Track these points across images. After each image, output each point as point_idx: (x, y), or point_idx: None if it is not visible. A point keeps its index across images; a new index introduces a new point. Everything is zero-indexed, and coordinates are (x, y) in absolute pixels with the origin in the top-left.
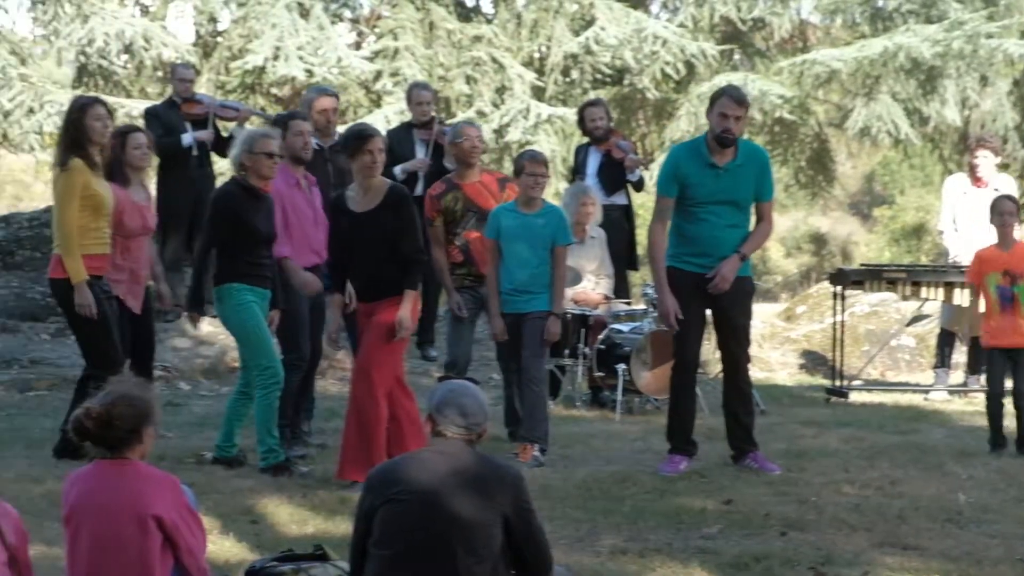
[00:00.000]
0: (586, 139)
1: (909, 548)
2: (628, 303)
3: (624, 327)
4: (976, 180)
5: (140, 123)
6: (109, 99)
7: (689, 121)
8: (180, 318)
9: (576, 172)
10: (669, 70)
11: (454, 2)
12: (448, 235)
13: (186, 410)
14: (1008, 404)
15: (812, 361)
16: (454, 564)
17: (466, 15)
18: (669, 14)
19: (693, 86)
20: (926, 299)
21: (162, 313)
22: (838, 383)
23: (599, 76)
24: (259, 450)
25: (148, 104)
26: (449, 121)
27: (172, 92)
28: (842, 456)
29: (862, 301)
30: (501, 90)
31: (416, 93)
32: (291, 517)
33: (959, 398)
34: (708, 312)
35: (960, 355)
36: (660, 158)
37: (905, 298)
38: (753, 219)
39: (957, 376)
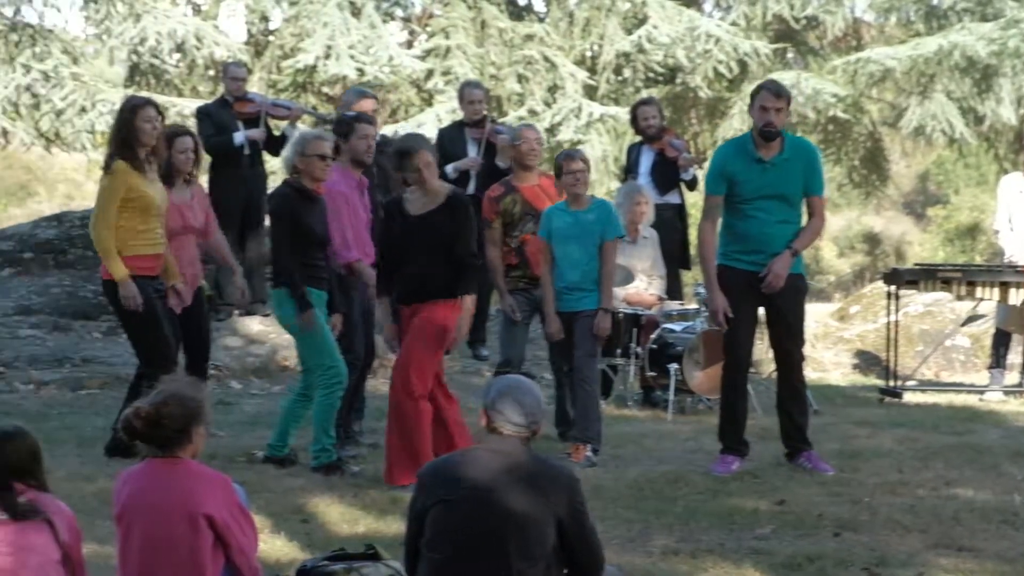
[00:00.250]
0: (639, 138)
1: (964, 550)
2: (680, 303)
3: (676, 327)
4: None
5: (192, 122)
6: (160, 98)
7: (742, 120)
8: (231, 317)
9: (628, 171)
10: (722, 69)
11: (506, 1)
12: (505, 237)
13: (237, 409)
14: None
15: (866, 361)
16: (508, 565)
17: (518, 14)
18: (722, 12)
19: (746, 85)
20: (981, 299)
21: (214, 312)
22: (892, 383)
23: (651, 75)
24: (312, 448)
25: (200, 103)
26: (500, 120)
27: (224, 91)
28: (896, 457)
29: (916, 301)
30: (553, 89)
31: (468, 92)
32: (342, 516)
33: (1015, 399)
34: (760, 311)
35: (1016, 355)
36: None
37: (960, 298)
38: (805, 216)
39: (1012, 377)
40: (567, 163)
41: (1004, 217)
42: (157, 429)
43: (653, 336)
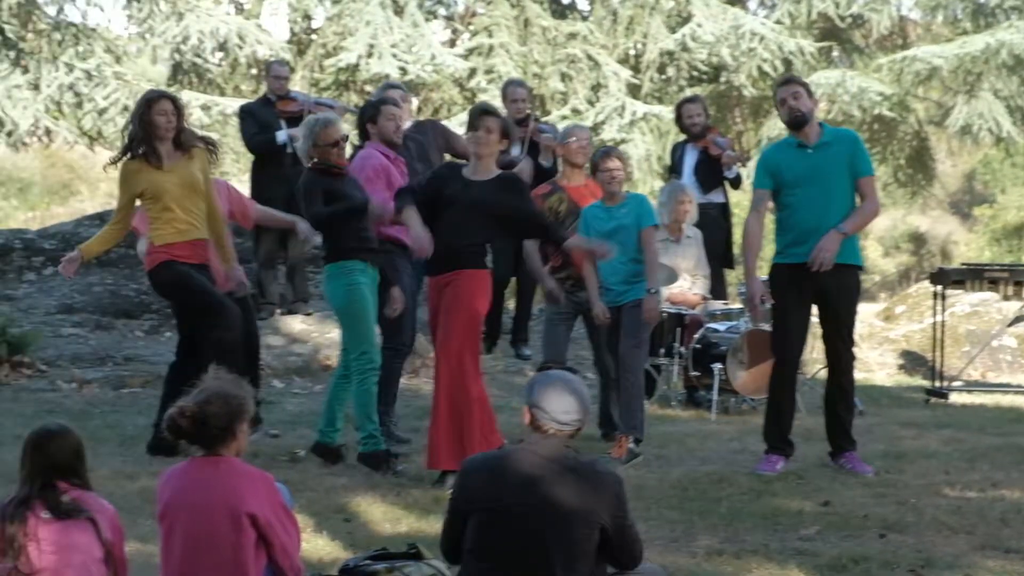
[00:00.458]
0: (682, 137)
1: (1011, 551)
2: (724, 302)
3: (720, 326)
4: None
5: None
6: (203, 97)
7: None
8: (273, 316)
9: (673, 170)
10: (766, 67)
11: None
12: None
13: (279, 408)
14: None
15: (911, 361)
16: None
17: (561, 12)
18: (766, 11)
19: None
20: None
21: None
22: (938, 384)
23: (695, 73)
24: (360, 435)
25: (242, 102)
26: (544, 119)
27: (266, 90)
28: (942, 458)
29: (963, 301)
30: (596, 88)
31: (511, 90)
32: (384, 515)
33: None
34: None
35: None
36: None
37: (1007, 298)
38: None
39: None
40: (603, 161)
41: None
42: (202, 428)
43: (697, 336)
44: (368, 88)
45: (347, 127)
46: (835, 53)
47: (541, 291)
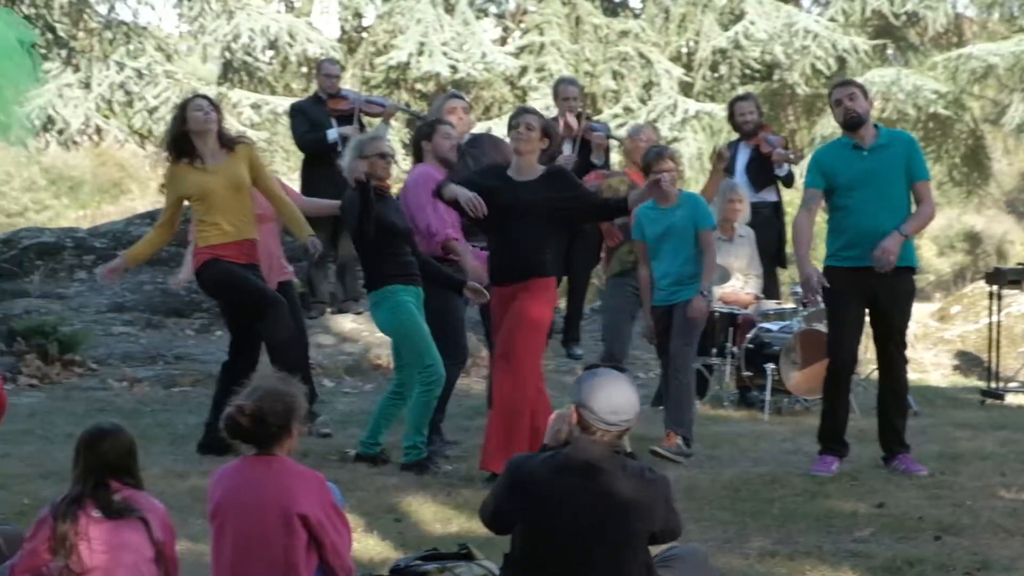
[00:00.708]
0: (735, 136)
1: None
2: (777, 302)
3: (773, 326)
4: None
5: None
6: (253, 96)
7: None
8: (323, 315)
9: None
10: (820, 65)
11: None
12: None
13: (330, 407)
14: None
15: (966, 362)
16: None
17: (613, 10)
18: (820, 8)
19: None
20: None
21: (307, 310)
22: (994, 385)
23: (748, 71)
24: (404, 444)
25: (293, 100)
26: (596, 117)
27: (317, 88)
28: (998, 459)
29: (1019, 301)
30: (648, 86)
31: (563, 88)
32: (435, 515)
33: None
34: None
35: None
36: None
37: None
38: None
39: None
40: (656, 162)
41: None
42: (262, 427)
43: (749, 336)
44: (419, 87)
45: (393, 137)
46: (889, 51)
47: (592, 291)
